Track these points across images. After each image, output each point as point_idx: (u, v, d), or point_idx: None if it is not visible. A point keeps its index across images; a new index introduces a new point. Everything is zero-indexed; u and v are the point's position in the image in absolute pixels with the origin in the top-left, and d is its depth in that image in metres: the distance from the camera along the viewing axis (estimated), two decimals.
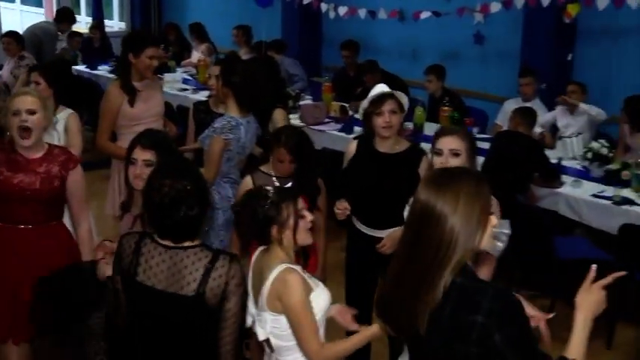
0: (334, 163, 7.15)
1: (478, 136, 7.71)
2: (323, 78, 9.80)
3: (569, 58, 8.53)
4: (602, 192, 6.21)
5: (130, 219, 4.01)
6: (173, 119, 8.17)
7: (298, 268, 3.22)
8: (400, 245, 2.56)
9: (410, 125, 7.67)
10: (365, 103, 4.49)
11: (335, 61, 10.78)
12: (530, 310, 2.81)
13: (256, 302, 3.25)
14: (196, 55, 10.97)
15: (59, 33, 11.35)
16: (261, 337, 3.21)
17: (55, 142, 4.92)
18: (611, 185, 6.29)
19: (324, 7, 9.85)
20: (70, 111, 5.46)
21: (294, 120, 7.72)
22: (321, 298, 3.24)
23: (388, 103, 4.39)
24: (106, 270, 3.34)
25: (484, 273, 3.49)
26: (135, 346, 3.09)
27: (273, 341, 3.21)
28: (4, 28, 12.14)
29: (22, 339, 4.15)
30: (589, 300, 2.67)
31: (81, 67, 11.32)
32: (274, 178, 4.41)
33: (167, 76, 10.36)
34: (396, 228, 4.23)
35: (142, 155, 3.90)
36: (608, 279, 2.71)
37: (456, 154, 3.75)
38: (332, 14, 9.73)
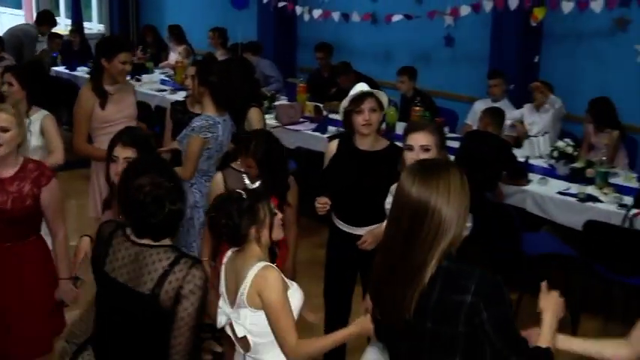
0: (309, 161, 7.21)
1: (448, 135, 7.77)
2: (298, 79, 9.79)
3: (536, 59, 8.59)
4: (567, 189, 6.26)
5: (111, 216, 3.99)
6: (151, 119, 8.19)
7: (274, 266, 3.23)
8: (390, 239, 2.55)
9: (382, 125, 7.69)
10: (345, 102, 4.47)
11: (310, 62, 10.78)
12: None
13: (232, 301, 3.22)
14: (174, 57, 10.94)
15: (39, 35, 11.27)
16: (240, 333, 3.18)
17: (29, 143, 4.84)
18: (576, 183, 6.34)
19: (298, 9, 9.86)
20: (45, 112, 5.32)
21: (270, 120, 7.72)
22: (295, 297, 3.24)
23: (368, 101, 4.38)
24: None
25: None
26: (103, 333, 3.08)
27: (251, 339, 3.19)
28: None
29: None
30: (551, 303, 2.78)
31: (60, 69, 11.26)
32: (244, 175, 4.38)
33: (145, 77, 10.35)
34: (377, 225, 4.24)
35: (123, 153, 3.91)
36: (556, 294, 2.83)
37: (426, 150, 3.77)
38: (306, 17, 9.74)
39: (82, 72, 10.79)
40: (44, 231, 4.23)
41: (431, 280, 2.44)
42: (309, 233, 6.92)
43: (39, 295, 4.08)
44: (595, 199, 6.00)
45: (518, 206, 6.30)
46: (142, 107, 8.14)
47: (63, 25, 14.20)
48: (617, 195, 6.03)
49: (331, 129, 7.78)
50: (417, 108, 7.82)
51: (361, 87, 4.47)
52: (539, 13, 7.77)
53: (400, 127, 7.73)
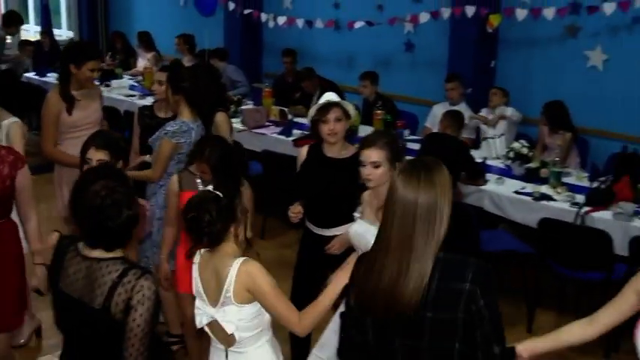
0: (274, 164, 7.21)
1: (409, 137, 7.82)
2: (263, 84, 9.78)
3: (492, 64, 8.69)
4: (523, 189, 6.31)
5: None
6: (120, 123, 8.13)
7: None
8: (389, 240, 2.53)
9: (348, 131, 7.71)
10: (312, 111, 4.49)
11: (275, 68, 10.77)
12: None
13: (215, 301, 3.19)
14: (142, 63, 10.87)
15: (8, 37, 11.12)
16: (230, 330, 3.16)
17: None
18: (531, 182, 6.40)
19: (264, 17, 9.86)
20: (14, 119, 5.22)
21: (237, 124, 7.70)
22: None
23: (333, 111, 4.38)
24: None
25: None
26: (69, 348, 3.01)
27: (237, 334, 3.18)
28: None
29: None
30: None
31: (31, 75, 11.13)
32: (199, 180, 4.36)
33: (114, 83, 10.27)
34: (344, 232, 4.28)
35: (95, 155, 3.93)
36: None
37: (376, 166, 3.76)
38: (271, 24, 9.74)
39: (52, 78, 10.68)
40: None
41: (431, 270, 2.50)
42: (276, 234, 6.94)
43: (10, 274, 4.17)
44: (549, 198, 6.06)
45: (476, 205, 6.34)
46: (112, 112, 8.11)
47: (32, 32, 14.06)
48: (570, 194, 6.09)
49: (296, 132, 7.77)
50: (379, 112, 7.85)
51: (329, 97, 4.48)
52: (494, 20, 7.85)
53: (363, 131, 7.76)
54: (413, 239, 2.49)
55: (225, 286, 3.11)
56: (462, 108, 7.75)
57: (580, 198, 5.97)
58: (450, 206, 2.56)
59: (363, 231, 3.83)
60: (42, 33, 12.44)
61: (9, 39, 11.16)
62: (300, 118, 8.14)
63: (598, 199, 5.81)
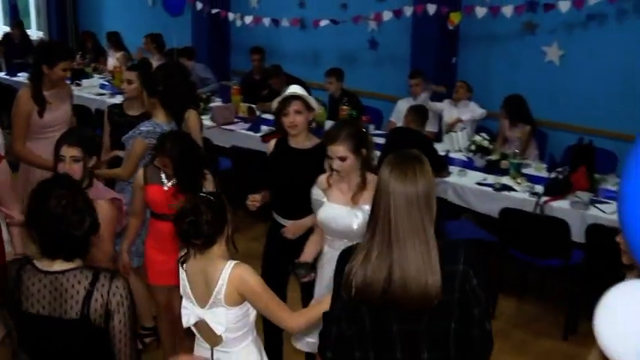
0: (243, 159, 7.20)
1: (374, 132, 7.84)
2: (231, 82, 9.74)
3: (454, 61, 8.76)
4: (484, 180, 6.36)
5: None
6: (91, 122, 8.05)
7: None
8: (398, 231, 2.53)
9: (313, 123, 7.72)
10: (274, 104, 4.51)
11: (242, 65, 10.74)
12: None
13: (203, 302, 3.19)
14: (112, 62, 10.78)
15: None
16: (220, 331, 3.17)
17: None
18: (492, 174, 6.45)
19: (231, 16, 9.83)
20: None
21: (206, 120, 7.68)
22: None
23: (294, 104, 4.39)
24: None
25: None
26: None
27: (224, 335, 3.18)
28: None
29: None
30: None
31: (1, 74, 10.97)
32: (163, 174, 4.37)
33: (85, 82, 10.17)
34: (307, 218, 4.32)
35: (69, 152, 3.90)
36: None
37: (342, 159, 3.80)
38: (239, 23, 9.71)
39: (22, 77, 10.53)
40: None
41: None
42: (245, 227, 6.92)
43: None
44: (509, 189, 6.12)
45: (440, 196, 6.36)
46: (83, 111, 8.04)
47: (1, 32, 13.86)
48: (529, 184, 6.15)
49: (264, 128, 7.76)
50: (345, 107, 7.87)
51: (293, 89, 4.49)
52: (455, 17, 7.91)
53: (329, 125, 7.78)
54: (425, 228, 2.54)
55: (217, 289, 3.11)
56: (425, 101, 7.85)
57: (539, 188, 6.03)
58: (435, 193, 2.66)
59: (336, 214, 3.88)
60: (13, 27, 12.28)
61: None
62: (268, 115, 8.13)
63: (556, 189, 5.87)
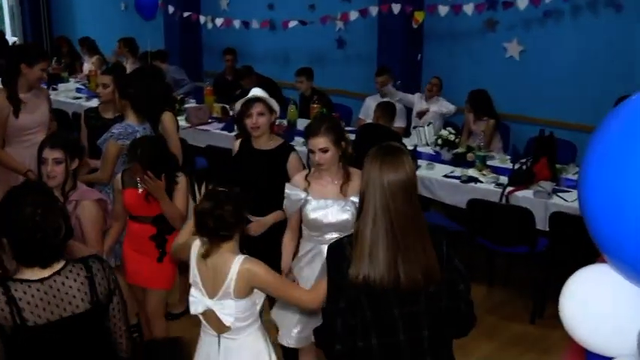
0: (219, 158, 7.19)
1: (345, 129, 7.85)
2: (204, 83, 9.72)
3: (419, 58, 8.81)
4: (451, 172, 6.40)
5: None
6: (69, 125, 7.98)
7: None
8: (400, 219, 2.59)
9: (284, 122, 7.74)
10: (237, 106, 4.54)
11: (214, 67, 10.72)
12: None
13: (213, 293, 3.21)
14: (87, 67, 10.69)
15: None
16: (228, 322, 3.19)
17: None
18: (459, 166, 6.49)
19: (202, 19, 9.79)
20: None
21: (181, 121, 7.64)
22: None
23: (256, 106, 4.42)
24: None
25: None
26: None
27: (233, 324, 3.21)
28: None
29: None
30: None
31: None
32: (138, 178, 4.35)
33: (61, 86, 10.07)
34: (270, 215, 4.40)
35: (51, 154, 3.90)
36: None
37: (325, 151, 3.84)
38: (210, 25, 9.68)
39: None
40: None
41: None
42: None
43: None
44: (476, 180, 6.17)
45: None
46: (60, 115, 7.96)
47: None
48: (494, 175, 6.21)
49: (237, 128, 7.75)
50: (315, 105, 7.88)
51: (255, 92, 4.53)
52: (419, 16, 7.96)
53: (301, 124, 7.80)
54: (419, 215, 2.64)
55: (227, 282, 3.13)
56: (392, 91, 7.91)
57: (504, 179, 6.08)
58: None
59: (327, 208, 3.89)
60: None
61: None
62: None
63: (520, 180, 5.93)
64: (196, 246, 3.30)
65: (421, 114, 7.97)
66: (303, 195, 3.96)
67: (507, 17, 7.96)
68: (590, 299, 1.99)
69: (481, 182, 6.14)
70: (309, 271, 3.98)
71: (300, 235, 4.16)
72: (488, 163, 6.52)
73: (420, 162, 6.60)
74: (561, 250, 5.38)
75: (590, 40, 7.64)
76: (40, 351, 2.62)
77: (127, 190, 4.39)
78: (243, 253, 3.22)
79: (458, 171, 6.39)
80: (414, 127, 7.84)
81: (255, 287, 3.19)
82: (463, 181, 6.16)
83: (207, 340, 3.37)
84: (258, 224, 4.41)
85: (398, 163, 2.62)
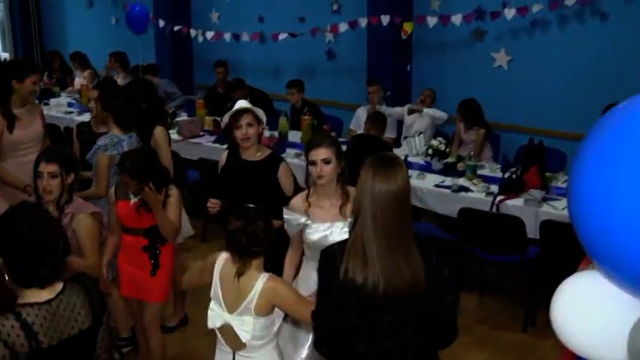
0: (211, 171, 7.17)
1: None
2: (196, 96, 9.72)
3: (408, 68, 8.83)
4: (442, 182, 6.41)
5: None
6: (61, 140, 7.96)
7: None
8: (386, 228, 2.64)
9: (276, 134, 7.75)
10: (225, 118, 4.56)
11: (206, 79, 10.72)
12: None
13: (232, 308, 3.21)
14: (79, 81, 10.68)
15: None
16: (245, 339, 3.19)
17: None
18: (450, 176, 6.50)
19: (193, 32, 9.83)
20: None
21: (173, 134, 7.64)
22: None
23: (245, 117, 4.45)
24: None
25: None
26: None
27: (249, 342, 3.21)
28: None
29: None
30: None
31: None
32: (130, 190, 4.36)
33: (53, 101, 10.06)
34: None
35: (46, 168, 3.93)
36: None
37: (327, 162, 3.85)
38: (200, 39, 9.72)
39: None
40: None
41: None
42: (216, 238, 6.89)
43: None
44: (466, 190, 6.18)
45: None
46: (52, 129, 7.94)
47: None
48: (485, 184, 6.23)
49: None
50: (306, 117, 7.89)
51: (241, 104, 4.55)
52: (408, 27, 8.00)
53: (292, 135, 7.83)
54: (408, 224, 2.68)
55: (248, 298, 3.15)
56: (383, 109, 7.88)
57: (494, 188, 6.09)
58: None
59: (327, 232, 3.87)
60: None
61: None
62: None
63: (510, 188, 5.94)
64: (222, 259, 3.31)
65: (412, 111, 7.96)
66: (302, 219, 3.93)
67: (495, 27, 8.01)
68: (581, 306, 2.00)
69: (472, 191, 6.16)
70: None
71: (302, 253, 4.14)
72: (479, 172, 6.53)
73: (411, 172, 6.58)
74: (552, 257, 5.39)
75: (577, 49, 7.69)
76: None
77: (119, 202, 4.40)
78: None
79: (449, 180, 6.40)
80: (405, 138, 7.85)
81: (277, 305, 3.20)
82: (454, 191, 6.17)
83: (221, 357, 3.36)
84: None
85: (390, 173, 2.66)
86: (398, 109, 8.16)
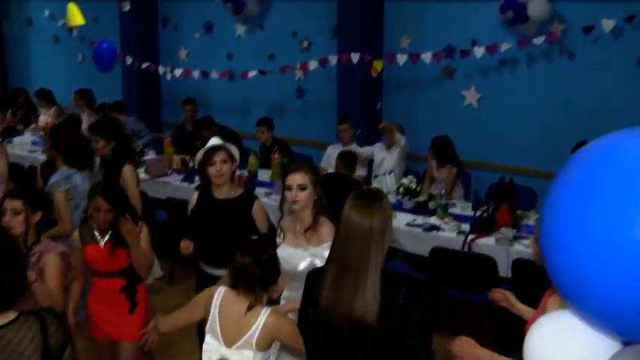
0: (179, 210, 7.12)
1: None
2: (164, 134, 9.70)
3: (379, 106, 8.90)
4: (414, 221, 6.44)
5: None
6: (24, 179, 7.88)
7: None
8: (347, 260, 2.73)
9: (245, 172, 7.74)
10: (199, 155, 4.55)
11: (174, 117, 10.71)
12: None
13: (231, 342, 3.20)
14: (44, 119, 10.60)
15: None
16: None
17: None
18: (421, 214, 6.54)
19: (161, 69, 9.84)
20: None
21: (141, 173, 7.60)
22: None
23: (219, 153, 4.46)
24: None
25: None
26: None
27: None
28: None
29: None
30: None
31: None
32: (96, 232, 4.32)
33: (16, 139, 9.95)
34: None
35: (10, 204, 3.90)
36: None
37: (303, 188, 3.90)
38: (168, 76, 9.72)
39: None
40: None
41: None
42: (183, 279, 6.83)
43: None
44: (438, 228, 6.22)
45: None
46: (15, 168, 7.86)
47: None
48: (456, 223, 6.28)
49: (198, 179, 7.72)
50: (276, 156, 7.90)
51: (214, 141, 4.56)
52: (378, 65, 8.08)
53: (262, 174, 7.82)
54: (369, 261, 2.70)
55: (250, 332, 3.15)
56: (354, 148, 7.91)
57: (465, 226, 6.14)
58: (391, 226, 2.82)
59: (287, 255, 3.89)
60: None
61: None
62: None
63: (481, 227, 5.99)
64: (220, 293, 3.30)
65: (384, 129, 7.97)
66: (279, 240, 4.01)
67: (465, 65, 8.14)
68: (554, 345, 2.01)
69: (443, 230, 6.19)
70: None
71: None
72: (450, 210, 6.58)
73: None
74: (524, 296, 5.40)
75: (545, 87, 7.84)
76: None
77: (87, 246, 4.33)
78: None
79: (420, 219, 6.44)
80: (376, 176, 7.89)
81: (278, 339, 3.21)
82: (425, 230, 6.20)
83: None
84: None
85: (365, 209, 2.73)
86: (367, 149, 8.20)
